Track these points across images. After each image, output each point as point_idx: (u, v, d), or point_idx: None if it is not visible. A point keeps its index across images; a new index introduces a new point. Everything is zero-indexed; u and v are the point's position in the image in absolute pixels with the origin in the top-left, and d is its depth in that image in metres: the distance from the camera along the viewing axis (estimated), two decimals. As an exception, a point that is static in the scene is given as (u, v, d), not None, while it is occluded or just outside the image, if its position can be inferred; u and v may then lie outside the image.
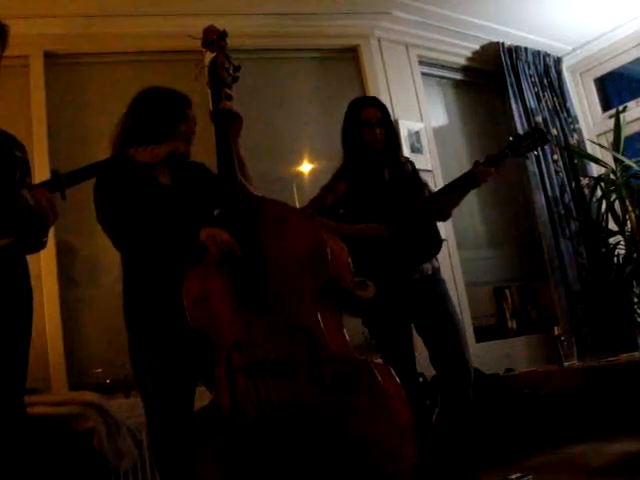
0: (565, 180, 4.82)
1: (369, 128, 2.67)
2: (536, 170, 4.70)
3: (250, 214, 1.96)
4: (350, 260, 1.98)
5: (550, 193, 4.69)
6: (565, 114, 5.07)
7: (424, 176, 2.94)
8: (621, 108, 4.72)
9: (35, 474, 1.86)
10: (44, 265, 3.33)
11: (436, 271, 2.70)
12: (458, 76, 5.04)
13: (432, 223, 2.68)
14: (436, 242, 2.67)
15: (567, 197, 4.78)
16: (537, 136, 2.62)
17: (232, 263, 1.90)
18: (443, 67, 4.92)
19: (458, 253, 4.36)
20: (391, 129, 2.76)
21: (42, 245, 1.91)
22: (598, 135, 5.26)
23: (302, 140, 4.25)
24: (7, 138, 1.93)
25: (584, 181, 4.89)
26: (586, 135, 5.19)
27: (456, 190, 2.63)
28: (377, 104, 2.81)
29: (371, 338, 2.77)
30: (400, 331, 2.64)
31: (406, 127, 4.34)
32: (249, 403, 1.80)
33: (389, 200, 2.65)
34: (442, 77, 4.97)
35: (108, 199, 2.03)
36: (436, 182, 4.17)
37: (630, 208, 4.44)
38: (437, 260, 2.73)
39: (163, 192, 2.09)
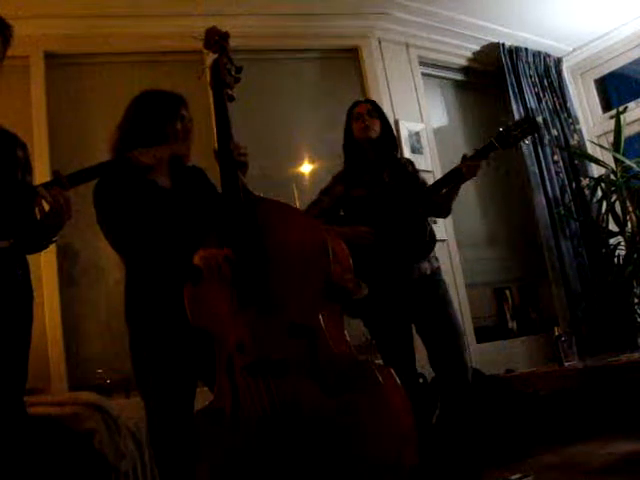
0: (565, 180, 4.83)
1: (357, 119, 2.77)
2: (536, 170, 4.70)
3: (252, 214, 1.96)
4: (351, 261, 1.98)
5: (550, 193, 4.70)
6: (565, 115, 5.07)
7: (424, 177, 2.93)
8: (621, 109, 4.72)
9: (35, 474, 1.86)
10: (44, 266, 3.33)
11: (436, 271, 2.69)
12: (458, 77, 5.05)
13: (423, 222, 2.67)
14: (426, 242, 2.65)
15: (567, 197, 4.78)
16: (527, 125, 2.59)
17: (234, 263, 1.90)
18: (443, 68, 4.93)
19: (458, 253, 4.36)
20: (386, 125, 2.80)
21: (45, 245, 1.91)
22: (598, 136, 5.27)
23: (302, 141, 4.26)
24: (9, 137, 1.94)
25: (584, 182, 4.89)
26: (586, 136, 5.19)
27: (446, 186, 2.62)
28: (369, 100, 2.98)
29: (371, 339, 2.77)
30: (400, 331, 2.64)
31: (406, 128, 4.34)
32: (250, 403, 1.80)
33: (387, 201, 2.65)
34: (442, 78, 4.98)
35: (107, 203, 2.03)
36: (436, 183, 4.18)
37: (630, 209, 4.44)
38: (437, 260, 2.73)
39: (162, 195, 2.09)
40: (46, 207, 1.74)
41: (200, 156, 2.26)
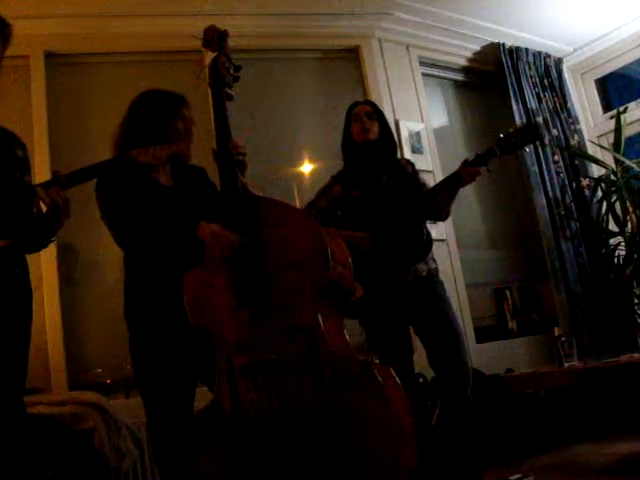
0: (566, 181, 4.82)
1: (356, 120, 2.75)
2: (537, 171, 4.70)
3: (251, 214, 1.96)
4: (351, 261, 1.98)
5: (551, 194, 4.69)
6: (566, 115, 5.07)
7: (424, 177, 2.93)
8: (622, 109, 4.72)
9: (35, 474, 1.86)
10: (45, 265, 3.33)
11: (432, 272, 2.67)
12: (459, 77, 5.04)
13: (418, 225, 2.66)
14: (423, 244, 2.65)
15: (568, 198, 4.78)
16: (528, 133, 2.57)
17: (233, 263, 1.90)
18: (444, 68, 4.92)
19: (459, 254, 4.35)
20: (386, 127, 2.79)
21: (44, 245, 1.91)
22: (599, 136, 5.27)
23: (303, 140, 4.25)
24: (8, 136, 1.93)
25: (585, 182, 4.89)
26: (587, 136, 5.19)
27: (444, 191, 2.61)
28: (368, 102, 2.94)
29: (367, 339, 2.77)
30: (397, 332, 2.63)
31: (407, 128, 4.34)
32: (249, 403, 1.80)
33: (383, 200, 2.64)
34: (443, 78, 4.97)
35: (110, 198, 2.04)
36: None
37: (631, 209, 4.44)
38: (434, 261, 2.72)
39: (163, 192, 2.10)
40: (44, 207, 1.74)
41: (199, 155, 2.26)
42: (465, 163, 2.54)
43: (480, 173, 2.53)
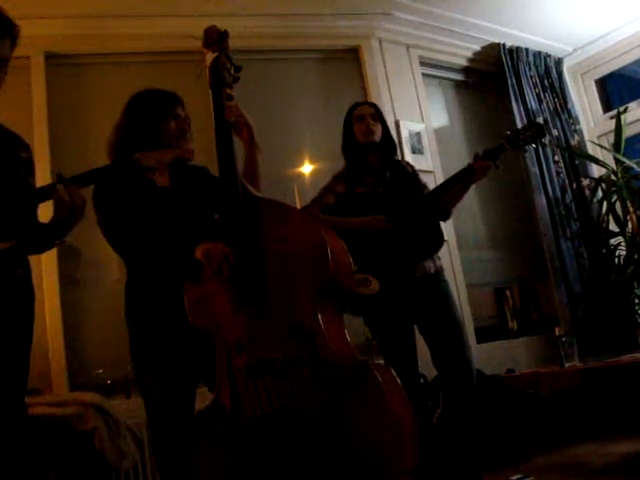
0: (566, 181, 4.83)
1: (360, 121, 2.75)
2: (537, 171, 4.70)
3: (251, 214, 1.96)
4: (351, 260, 1.98)
5: (551, 194, 4.70)
6: (566, 115, 5.08)
7: (425, 177, 2.94)
8: (622, 109, 4.72)
9: (36, 475, 1.86)
10: (45, 265, 3.33)
11: (439, 270, 2.70)
12: (459, 77, 5.05)
13: (434, 220, 2.68)
14: (437, 239, 2.67)
15: (568, 198, 4.78)
16: (535, 129, 2.65)
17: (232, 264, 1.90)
18: (444, 68, 4.93)
19: (459, 254, 4.35)
20: (386, 128, 2.81)
21: (52, 246, 1.90)
22: (599, 136, 5.27)
23: (303, 141, 4.25)
24: (12, 138, 1.93)
25: (585, 182, 4.89)
26: (587, 136, 5.19)
27: (456, 185, 2.64)
28: (370, 103, 2.97)
29: (373, 338, 2.76)
30: (402, 331, 2.64)
31: (407, 128, 4.33)
32: (250, 403, 1.80)
33: (390, 198, 2.65)
34: (443, 78, 4.98)
35: (106, 204, 2.03)
36: (437, 183, 4.17)
37: (631, 209, 4.44)
38: (439, 259, 2.73)
39: (160, 194, 2.09)
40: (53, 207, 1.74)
41: (198, 154, 2.26)
42: (476, 157, 2.58)
43: (491, 166, 2.58)
